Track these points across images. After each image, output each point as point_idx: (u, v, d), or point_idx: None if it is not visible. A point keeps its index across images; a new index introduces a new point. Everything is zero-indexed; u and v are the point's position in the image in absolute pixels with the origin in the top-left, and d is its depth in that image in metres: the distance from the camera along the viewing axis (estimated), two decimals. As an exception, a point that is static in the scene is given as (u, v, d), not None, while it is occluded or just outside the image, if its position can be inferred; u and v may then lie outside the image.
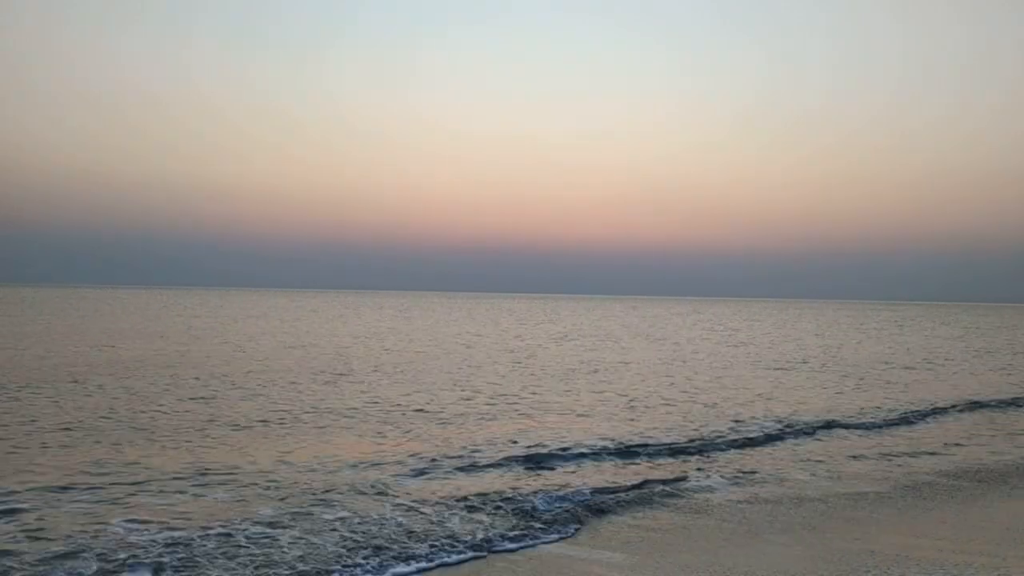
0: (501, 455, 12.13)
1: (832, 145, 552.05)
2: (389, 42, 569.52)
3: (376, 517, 8.72)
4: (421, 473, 10.87)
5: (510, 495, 9.86)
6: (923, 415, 17.90)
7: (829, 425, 15.99)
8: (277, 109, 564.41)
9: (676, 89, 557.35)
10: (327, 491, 9.74)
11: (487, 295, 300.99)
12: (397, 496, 9.68)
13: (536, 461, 11.82)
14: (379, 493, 9.75)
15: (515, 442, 13.19)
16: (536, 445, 12.96)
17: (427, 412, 16.14)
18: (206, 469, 10.69)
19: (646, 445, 13.21)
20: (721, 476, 11.53)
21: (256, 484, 9.99)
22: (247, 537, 7.84)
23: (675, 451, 12.96)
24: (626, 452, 12.67)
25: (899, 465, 12.78)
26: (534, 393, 19.73)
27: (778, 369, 28.06)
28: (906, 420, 17.22)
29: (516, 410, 16.91)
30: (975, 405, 19.88)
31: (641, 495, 10.26)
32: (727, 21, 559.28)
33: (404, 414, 15.83)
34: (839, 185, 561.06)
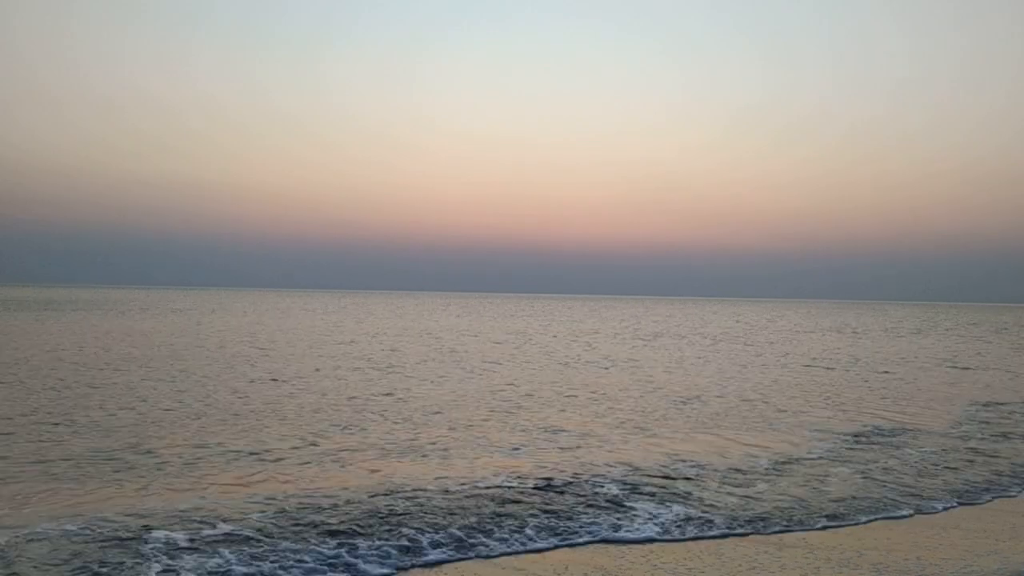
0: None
1: (832, 145, 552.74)
2: (391, 43, 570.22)
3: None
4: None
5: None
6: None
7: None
8: (278, 110, 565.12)
9: (677, 89, 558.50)
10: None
11: (488, 295, 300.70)
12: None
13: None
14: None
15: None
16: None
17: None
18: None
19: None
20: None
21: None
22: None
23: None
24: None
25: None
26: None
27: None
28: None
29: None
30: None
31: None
32: (727, 22, 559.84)
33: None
34: (839, 185, 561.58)
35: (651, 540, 8.33)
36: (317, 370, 23.64)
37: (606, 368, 26.87)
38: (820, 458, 12.76)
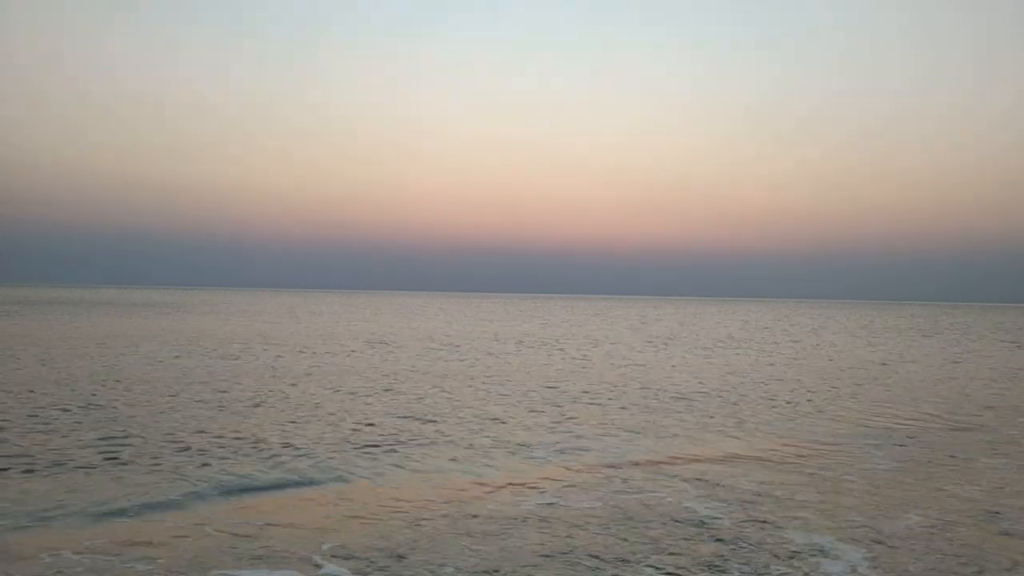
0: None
1: (838, 146, 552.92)
2: (389, 42, 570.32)
3: None
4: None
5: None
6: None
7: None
8: (276, 110, 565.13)
9: (681, 90, 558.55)
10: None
11: (490, 296, 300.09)
12: None
13: None
14: None
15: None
16: None
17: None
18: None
19: None
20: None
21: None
22: None
23: None
24: None
25: None
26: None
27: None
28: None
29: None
30: None
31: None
32: (730, 22, 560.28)
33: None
34: (845, 186, 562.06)
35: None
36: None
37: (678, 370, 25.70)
38: (926, 479, 11.80)
